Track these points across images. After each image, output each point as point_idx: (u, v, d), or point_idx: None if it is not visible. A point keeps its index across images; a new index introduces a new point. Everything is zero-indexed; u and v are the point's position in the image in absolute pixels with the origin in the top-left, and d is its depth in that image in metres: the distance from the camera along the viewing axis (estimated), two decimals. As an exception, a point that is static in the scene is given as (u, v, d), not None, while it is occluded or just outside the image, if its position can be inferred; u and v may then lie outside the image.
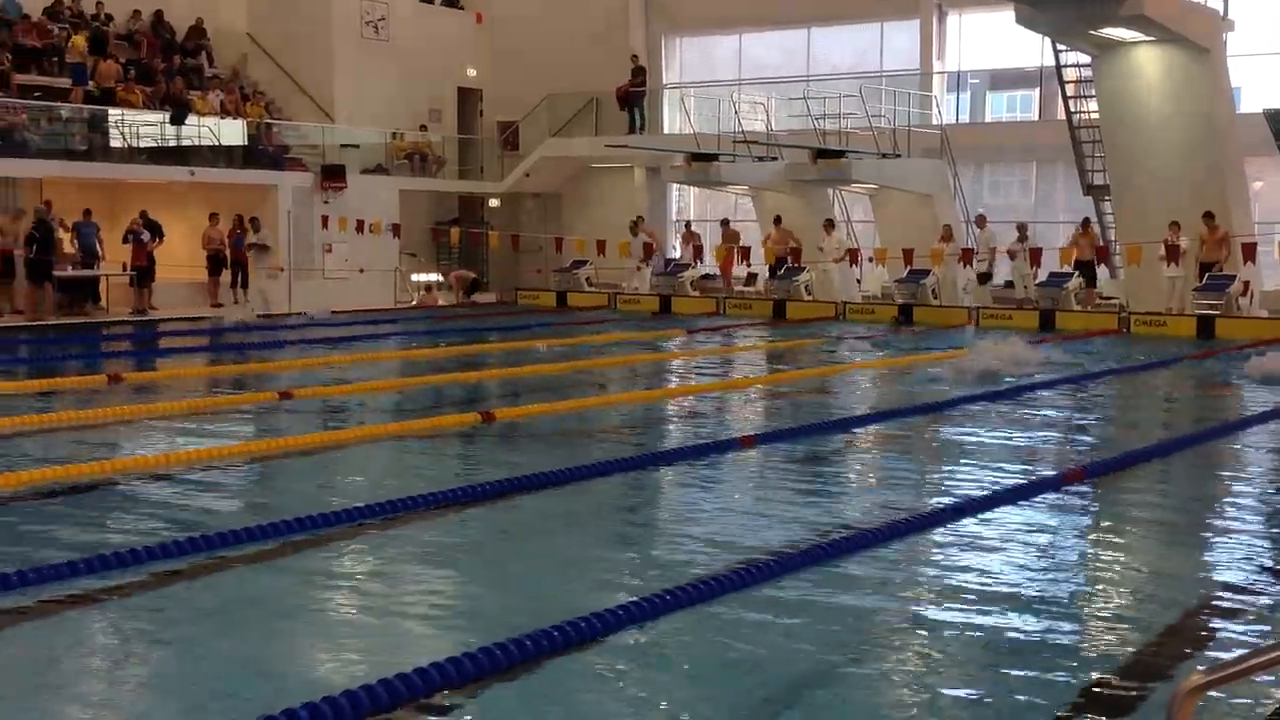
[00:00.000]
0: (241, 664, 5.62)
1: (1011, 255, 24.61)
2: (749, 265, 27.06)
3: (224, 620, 6.22)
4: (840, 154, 25.33)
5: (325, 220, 26.83)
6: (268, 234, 25.09)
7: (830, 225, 26.24)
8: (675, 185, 31.01)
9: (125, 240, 23.65)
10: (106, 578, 6.66)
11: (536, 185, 31.68)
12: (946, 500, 8.77)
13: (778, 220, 26.68)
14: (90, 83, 25.72)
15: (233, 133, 27.57)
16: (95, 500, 8.72)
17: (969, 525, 8.04)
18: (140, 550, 7.02)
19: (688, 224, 30.39)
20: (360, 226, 26.29)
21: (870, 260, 25.56)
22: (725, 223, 28.37)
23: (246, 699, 5.08)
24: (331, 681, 5.22)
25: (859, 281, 26.55)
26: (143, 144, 26.29)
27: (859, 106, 25.56)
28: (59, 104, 25.23)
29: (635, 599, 6.26)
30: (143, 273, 23.78)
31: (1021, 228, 24.70)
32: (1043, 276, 23.82)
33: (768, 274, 26.81)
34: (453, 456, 10.85)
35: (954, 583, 6.84)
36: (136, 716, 5.09)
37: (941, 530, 7.92)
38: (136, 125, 26.15)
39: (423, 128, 31.27)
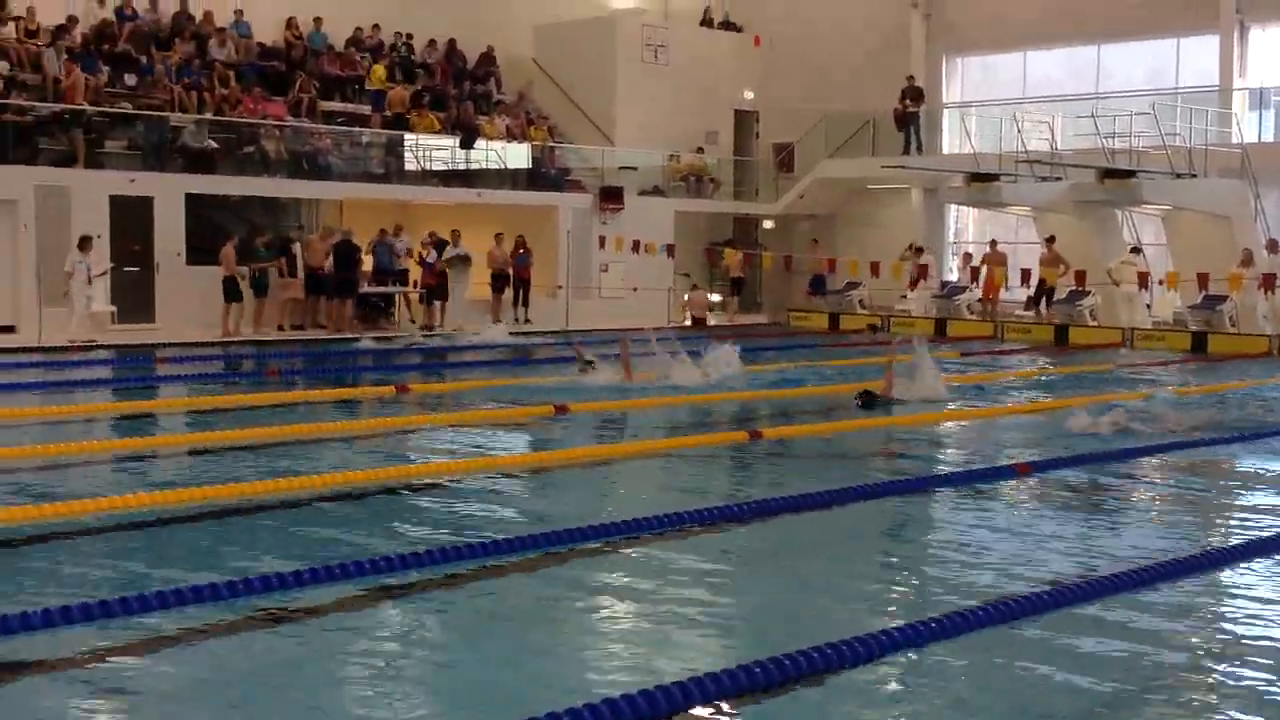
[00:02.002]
0: (512, 666, 5.80)
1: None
2: (1029, 288, 26.21)
3: (497, 624, 6.43)
4: (1130, 174, 24.29)
5: (602, 240, 27.47)
6: (465, 248, 25.14)
7: (1136, 251, 25.23)
8: (953, 206, 30.37)
9: (428, 262, 24.73)
10: (390, 577, 6.99)
11: (811, 207, 31.58)
12: (1239, 538, 8.27)
13: (1050, 240, 25.82)
14: (387, 109, 27.15)
15: (518, 156, 28.59)
16: (382, 504, 9.17)
17: (1266, 565, 7.56)
18: (422, 554, 7.35)
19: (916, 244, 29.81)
20: (636, 247, 26.80)
21: (1160, 284, 24.35)
22: (993, 244, 27.59)
23: (514, 701, 5.23)
24: (596, 689, 5.32)
25: (1149, 307, 25.35)
26: (434, 167, 27.59)
27: (1151, 125, 24.45)
28: (359, 129, 26.74)
29: (903, 623, 6.16)
30: (433, 291, 24.87)
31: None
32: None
33: (1033, 296, 25.97)
34: (721, 474, 10.91)
35: (1245, 628, 6.44)
36: (412, 712, 5.32)
37: (1234, 569, 7.48)
38: (429, 149, 27.46)
39: (699, 150, 31.66)
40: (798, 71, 32.35)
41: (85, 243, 20.11)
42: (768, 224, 32.60)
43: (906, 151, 29.43)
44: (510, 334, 23.21)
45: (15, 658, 5.68)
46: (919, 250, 27.99)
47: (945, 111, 31.00)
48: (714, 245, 30.62)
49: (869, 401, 13.89)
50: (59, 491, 9.29)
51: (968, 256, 28.38)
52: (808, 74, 31.99)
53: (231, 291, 22.14)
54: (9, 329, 20.68)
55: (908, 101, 29.60)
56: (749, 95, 33.24)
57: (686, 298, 27.97)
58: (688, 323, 27.56)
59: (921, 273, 27.26)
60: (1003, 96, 30.13)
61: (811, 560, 7.92)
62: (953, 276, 29.39)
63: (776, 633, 6.19)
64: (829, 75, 31.42)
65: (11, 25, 23.89)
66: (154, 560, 7.50)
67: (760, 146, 33.44)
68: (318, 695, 5.40)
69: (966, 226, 31.62)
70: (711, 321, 28.15)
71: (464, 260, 24.88)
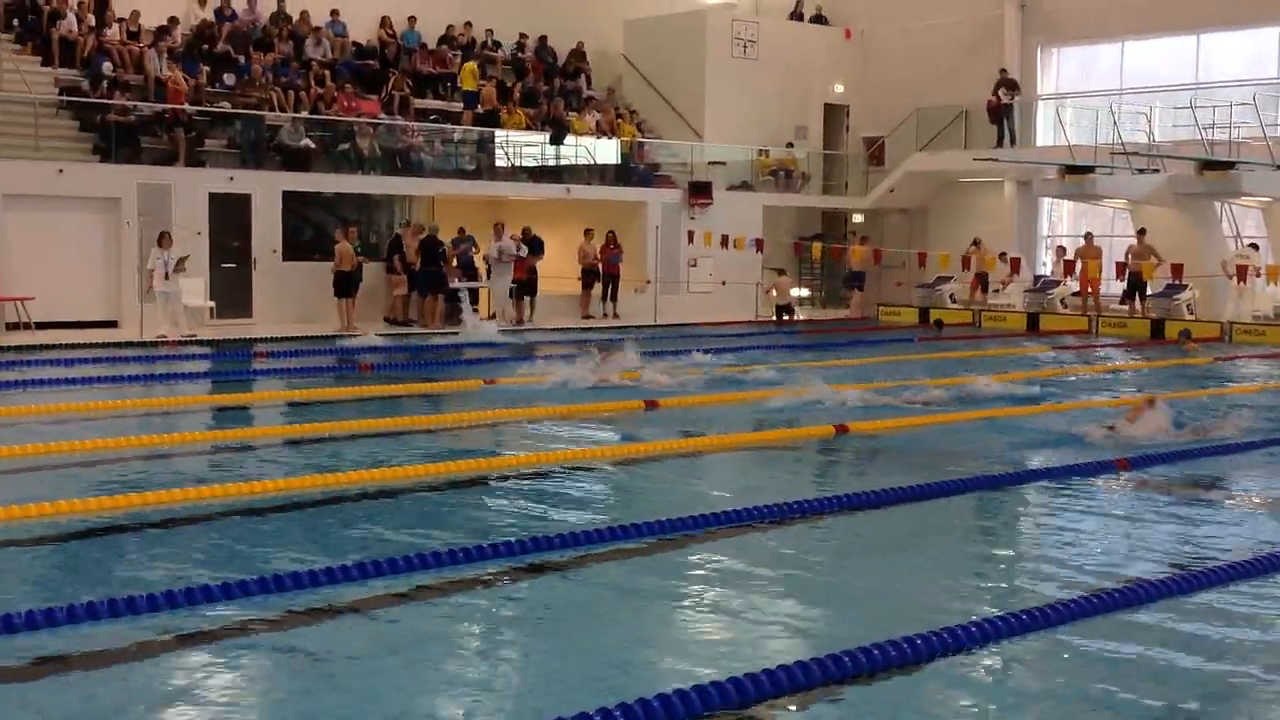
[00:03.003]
0: (601, 654, 5.88)
1: None
2: (1123, 282, 25.77)
3: (582, 613, 6.52)
4: (1230, 165, 23.79)
5: (690, 235, 27.51)
6: (510, 245, 24.33)
7: (1254, 247, 24.69)
8: (1048, 200, 29.94)
9: (520, 256, 24.86)
10: (480, 567, 7.11)
11: (902, 200, 31.33)
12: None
13: (1141, 232, 25.36)
14: (478, 106, 27.41)
15: (607, 151, 28.72)
16: (472, 495, 9.31)
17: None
18: (513, 543, 7.47)
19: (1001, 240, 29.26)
20: (724, 242, 26.79)
21: (1258, 276, 23.80)
22: (1088, 236, 27.12)
23: (602, 687, 5.31)
24: (679, 677, 5.38)
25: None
26: (525, 163, 27.81)
27: (1252, 115, 23.92)
28: (451, 126, 27.05)
29: (987, 617, 6.15)
30: (523, 286, 25.05)
31: None
32: None
33: (1125, 291, 25.51)
34: (807, 468, 10.90)
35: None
36: (502, 696, 5.42)
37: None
38: (519, 146, 27.70)
39: (789, 144, 31.56)
40: (889, 64, 32.12)
41: (163, 238, 20.31)
42: (857, 218, 32.40)
43: (1000, 144, 29.08)
44: (499, 331, 22.31)
45: (139, 638, 5.89)
46: (1007, 257, 27.61)
47: (1040, 103, 30.57)
48: (803, 239, 30.49)
49: None
50: (161, 480, 9.56)
51: (1061, 250, 27.96)
52: (899, 67, 31.74)
53: (344, 286, 22.47)
54: (112, 324, 21.21)
55: (1001, 93, 29.25)
56: (839, 89, 33.04)
57: (771, 285, 27.76)
58: (774, 316, 27.43)
59: (1014, 267, 26.90)
60: (1099, 87, 29.67)
61: (896, 555, 7.91)
62: (1045, 270, 28.98)
63: (855, 626, 6.20)
64: (921, 68, 31.16)
65: (116, 27, 24.52)
66: (249, 546, 7.70)
67: (850, 140, 33.24)
68: (406, 679, 5.52)
69: (1061, 220, 31.17)
70: (800, 315, 28.04)
71: (508, 258, 24.29)
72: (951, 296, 28.27)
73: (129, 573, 7.02)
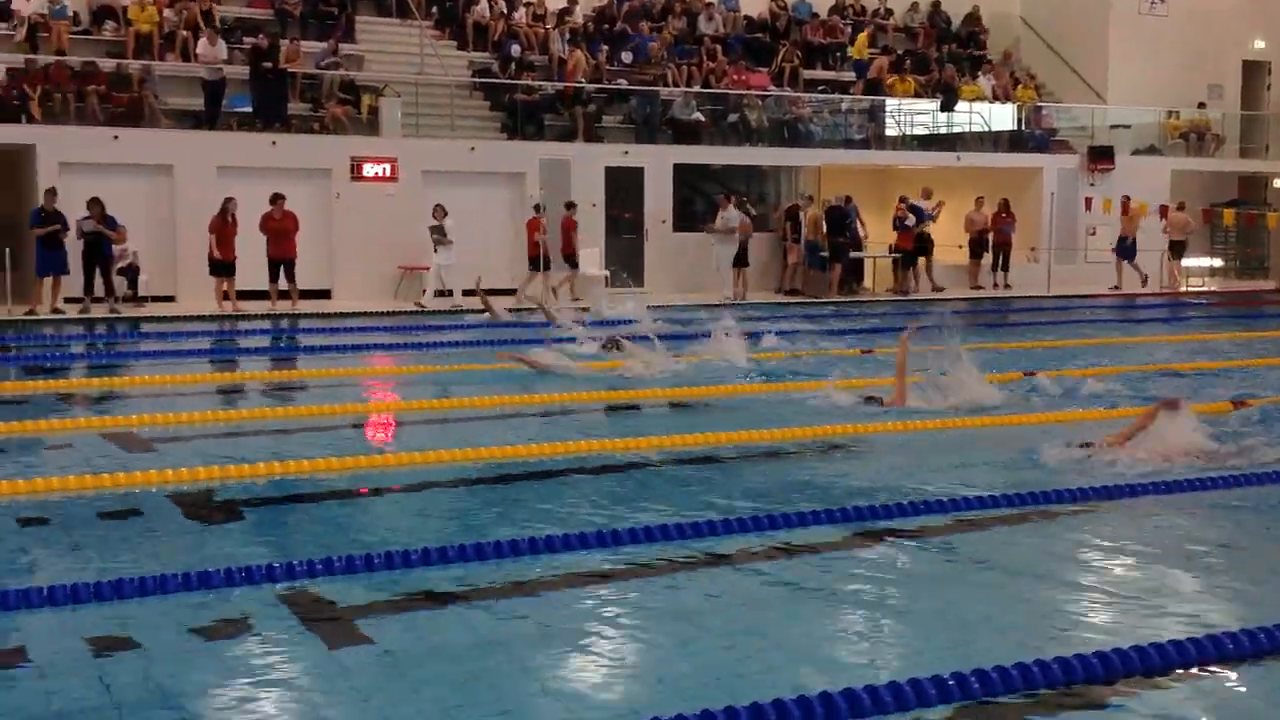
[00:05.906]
0: (984, 617, 5.84)
1: None
2: None
3: (945, 580, 6.49)
4: None
5: (1088, 202, 26.31)
6: (734, 215, 22.89)
7: None
8: None
9: (894, 226, 24.65)
10: (828, 532, 7.19)
11: (1331, 163, 28.81)
12: None
13: None
14: (868, 75, 27.23)
15: (1002, 117, 27.89)
16: (810, 460, 9.39)
17: None
18: (849, 510, 7.45)
19: None
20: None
21: None
22: None
23: (975, 651, 5.26)
24: (1073, 644, 5.32)
25: None
26: (915, 131, 27.42)
27: None
28: (838, 96, 27.03)
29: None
30: (907, 256, 24.73)
31: None
32: None
33: None
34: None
35: None
36: (862, 660, 5.48)
37: None
38: (910, 113, 27.33)
39: (1201, 105, 29.59)
40: (1319, 14, 29.54)
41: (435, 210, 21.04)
42: (1278, 183, 30.00)
43: None
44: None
45: (521, 577, 6.33)
46: None
47: None
48: (1215, 206, 28.56)
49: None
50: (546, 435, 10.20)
51: None
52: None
53: (742, 255, 22.92)
54: (512, 292, 22.49)
55: None
56: (1260, 44, 30.66)
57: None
58: (1180, 288, 25.85)
59: None
60: None
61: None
62: None
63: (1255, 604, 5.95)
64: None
65: (523, 10, 25.99)
66: (625, 497, 8.10)
67: (1271, 99, 30.79)
68: (736, 637, 5.62)
69: None
70: (1212, 286, 26.32)
71: (730, 231, 23.02)
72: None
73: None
